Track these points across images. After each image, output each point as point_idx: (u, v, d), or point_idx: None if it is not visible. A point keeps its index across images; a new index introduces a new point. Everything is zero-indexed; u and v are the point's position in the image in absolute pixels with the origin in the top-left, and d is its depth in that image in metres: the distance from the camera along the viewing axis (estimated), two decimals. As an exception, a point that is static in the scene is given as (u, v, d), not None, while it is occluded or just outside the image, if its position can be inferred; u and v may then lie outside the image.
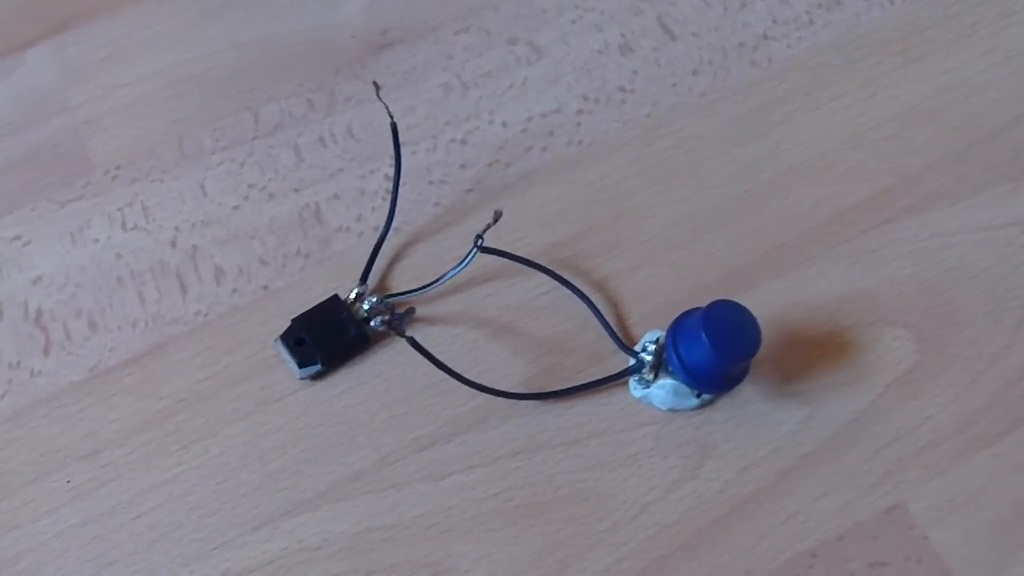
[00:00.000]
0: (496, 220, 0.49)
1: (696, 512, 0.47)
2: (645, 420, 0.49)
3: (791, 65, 0.58)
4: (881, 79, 0.57)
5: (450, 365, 0.47)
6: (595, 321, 0.51)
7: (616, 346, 0.50)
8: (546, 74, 0.59)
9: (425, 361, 0.47)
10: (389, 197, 0.53)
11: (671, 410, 0.49)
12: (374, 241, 0.53)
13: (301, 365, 0.50)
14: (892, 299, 0.51)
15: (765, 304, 0.50)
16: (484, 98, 0.58)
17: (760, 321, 0.46)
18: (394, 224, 0.53)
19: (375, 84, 0.52)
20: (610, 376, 0.49)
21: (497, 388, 0.49)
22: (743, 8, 0.60)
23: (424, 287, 0.51)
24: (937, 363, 0.50)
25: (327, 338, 0.50)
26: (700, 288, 0.52)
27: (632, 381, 0.49)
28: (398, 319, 0.50)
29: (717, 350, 0.45)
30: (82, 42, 0.61)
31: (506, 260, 0.51)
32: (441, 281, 0.51)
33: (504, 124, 0.57)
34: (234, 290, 0.53)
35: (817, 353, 0.50)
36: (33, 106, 0.59)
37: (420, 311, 0.52)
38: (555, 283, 0.51)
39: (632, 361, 0.49)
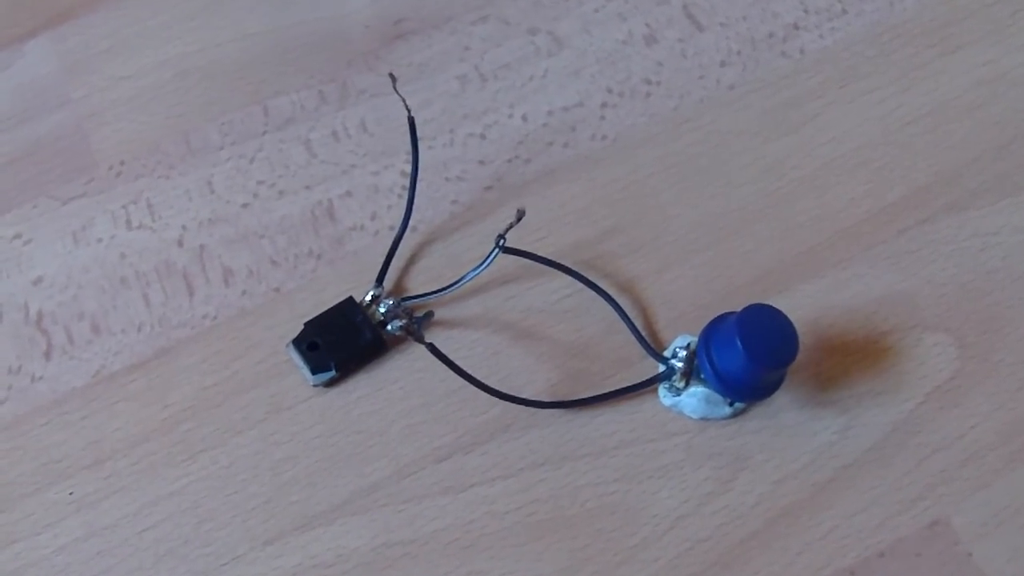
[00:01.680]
0: (519, 219, 0.47)
1: (730, 527, 0.46)
2: (676, 430, 0.47)
3: (823, 56, 0.56)
4: (917, 71, 0.56)
5: (470, 371, 0.46)
6: (622, 325, 0.49)
7: (644, 351, 0.48)
8: (568, 66, 0.57)
9: (444, 367, 0.45)
10: (405, 194, 0.52)
11: (703, 419, 0.47)
12: (390, 241, 0.51)
13: (314, 371, 0.48)
14: (932, 302, 0.50)
15: (798, 308, 0.49)
16: (503, 91, 0.56)
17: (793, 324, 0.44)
18: (411, 223, 0.51)
19: (391, 76, 0.50)
20: (639, 383, 0.48)
21: (520, 396, 0.47)
22: (772, -3, 0.58)
23: (443, 289, 0.49)
24: (980, 370, 0.48)
25: (341, 343, 0.49)
26: (730, 291, 0.50)
27: (662, 388, 0.48)
28: (416, 323, 0.48)
29: (753, 357, 0.43)
30: (83, 33, 0.59)
31: (528, 261, 0.49)
32: (461, 283, 0.49)
33: (524, 118, 0.55)
34: (243, 292, 0.51)
35: (854, 359, 0.49)
36: (33, 99, 0.57)
37: (439, 314, 0.50)
38: (580, 285, 0.50)
39: (662, 367, 0.47)
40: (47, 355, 0.50)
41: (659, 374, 0.47)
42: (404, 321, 0.46)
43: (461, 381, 0.46)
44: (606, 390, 0.48)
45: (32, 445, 0.48)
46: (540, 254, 0.49)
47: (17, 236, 0.53)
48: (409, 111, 0.50)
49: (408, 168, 0.51)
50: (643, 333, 0.48)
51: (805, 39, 0.57)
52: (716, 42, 0.57)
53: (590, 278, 0.49)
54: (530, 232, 0.51)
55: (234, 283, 0.51)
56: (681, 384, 0.47)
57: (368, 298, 0.50)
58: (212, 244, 0.52)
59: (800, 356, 0.44)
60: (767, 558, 0.45)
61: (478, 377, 0.46)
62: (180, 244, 0.52)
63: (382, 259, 0.50)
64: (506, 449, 0.47)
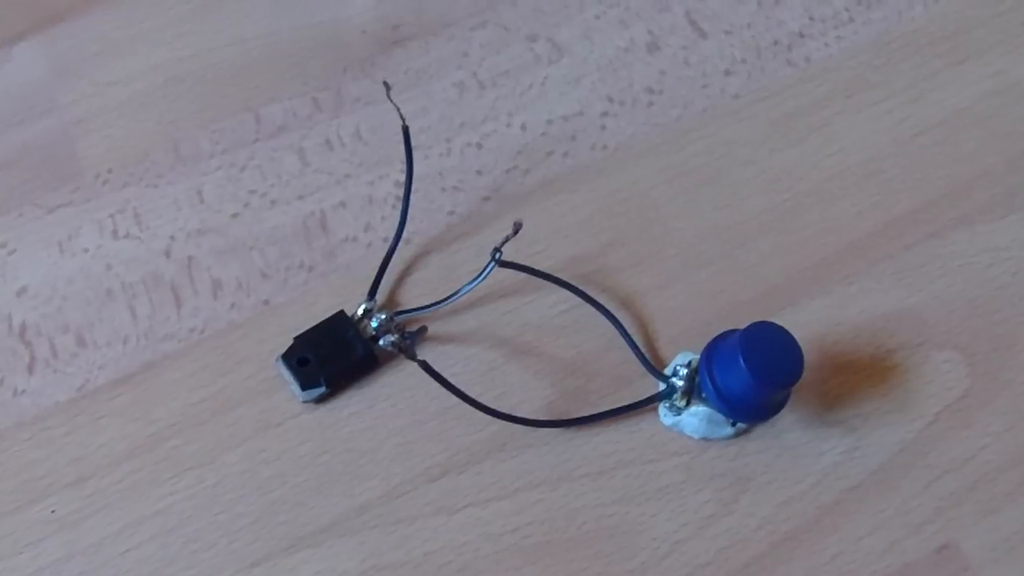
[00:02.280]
0: (516, 232, 0.46)
1: (731, 551, 0.44)
2: (676, 450, 0.46)
3: (830, 65, 0.55)
4: (925, 81, 0.55)
5: (465, 388, 0.44)
6: (621, 341, 0.48)
7: (644, 369, 0.47)
8: (568, 73, 0.56)
9: (438, 383, 0.44)
10: (400, 205, 0.50)
11: (704, 439, 0.46)
12: (383, 253, 0.50)
13: (304, 387, 0.47)
14: (941, 319, 0.49)
15: (804, 324, 0.48)
16: (502, 99, 0.55)
17: (799, 343, 0.43)
18: (405, 234, 0.50)
19: (385, 84, 0.49)
20: (638, 402, 0.46)
21: (515, 414, 0.46)
22: (778, 4, 0.57)
23: (437, 303, 0.48)
24: (991, 389, 0.47)
25: (332, 358, 0.48)
26: (734, 307, 0.49)
27: (662, 407, 0.47)
28: (409, 339, 0.47)
29: (756, 377, 0.42)
30: (73, 36, 0.58)
31: (525, 275, 0.48)
32: (455, 297, 0.48)
33: (523, 127, 0.54)
34: (232, 305, 0.50)
35: (861, 378, 0.47)
36: (20, 104, 0.56)
37: (433, 329, 0.49)
38: (578, 300, 0.48)
39: (662, 386, 0.46)
40: (30, 368, 0.49)
41: (659, 393, 0.46)
42: (396, 337, 0.45)
43: (455, 398, 0.44)
44: (604, 409, 0.46)
45: (13, 461, 0.47)
46: (538, 268, 0.48)
47: (1, 245, 0.52)
48: (404, 120, 0.48)
49: (404, 178, 0.50)
50: (643, 350, 0.47)
51: (811, 47, 0.56)
52: (720, 50, 0.56)
53: (589, 293, 0.48)
54: (528, 245, 0.50)
55: (223, 296, 0.50)
56: (682, 403, 0.46)
57: (360, 312, 0.48)
58: (201, 255, 0.51)
59: (805, 374, 0.43)
60: (770, 584, 0.44)
61: (473, 394, 0.45)
62: (168, 255, 0.51)
63: (375, 272, 0.49)
64: (501, 469, 0.46)
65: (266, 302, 0.50)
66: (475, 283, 0.47)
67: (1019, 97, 0.54)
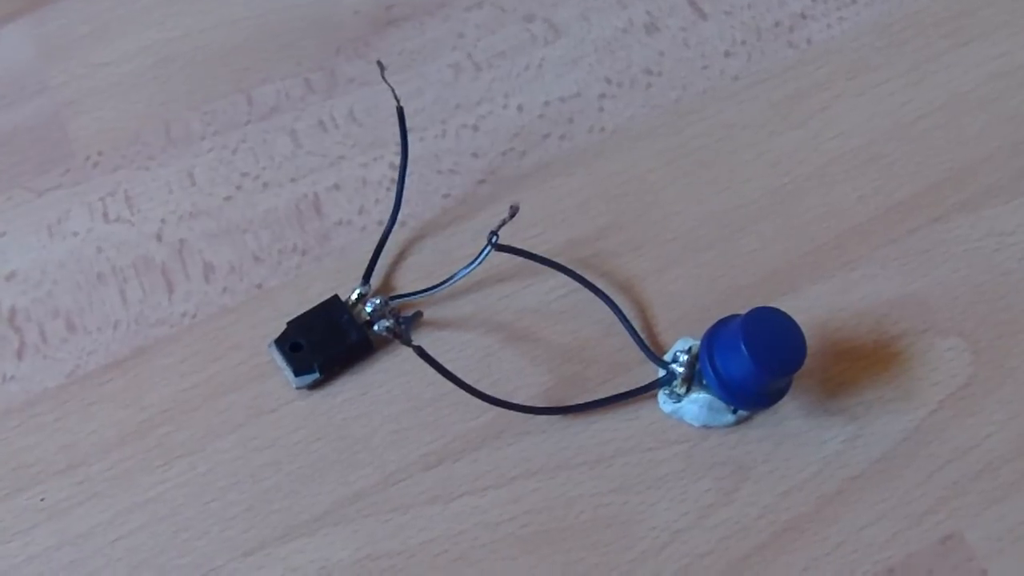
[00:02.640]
0: (512, 215, 0.45)
1: (732, 540, 0.44)
2: (675, 438, 0.46)
3: (832, 47, 0.54)
4: (929, 63, 0.54)
5: (461, 374, 0.44)
6: (620, 327, 0.47)
7: (643, 355, 0.46)
8: (565, 54, 0.55)
9: (433, 369, 0.43)
10: (394, 188, 0.50)
11: (704, 427, 0.46)
12: (378, 236, 0.49)
13: (297, 373, 0.47)
14: (945, 305, 0.48)
15: (805, 310, 0.47)
16: (498, 80, 0.54)
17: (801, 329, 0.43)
18: (400, 217, 0.49)
19: (380, 64, 0.48)
20: (637, 388, 0.46)
21: (512, 401, 0.45)
22: (779, -16, 0.56)
23: (432, 288, 0.48)
24: (995, 376, 0.47)
25: (326, 343, 0.47)
26: (734, 292, 0.49)
27: (661, 394, 0.46)
28: (404, 324, 0.46)
29: (758, 363, 0.41)
30: (63, 17, 0.57)
31: (522, 259, 0.47)
32: (451, 281, 0.47)
33: (520, 109, 0.53)
34: (224, 289, 0.49)
35: (863, 365, 0.47)
36: (9, 86, 0.55)
37: (428, 314, 0.48)
38: (576, 285, 0.48)
39: (661, 372, 0.46)
40: (19, 354, 0.48)
41: (659, 379, 0.46)
42: (391, 322, 0.45)
43: (451, 384, 0.44)
44: (603, 395, 0.46)
45: (2, 449, 0.46)
46: (535, 252, 0.48)
47: (-10, 229, 0.51)
48: (398, 101, 0.48)
49: (399, 160, 0.49)
50: (642, 336, 0.47)
51: (812, 29, 0.55)
52: (720, 31, 0.55)
53: (587, 277, 0.48)
54: (525, 228, 0.49)
55: (215, 279, 0.49)
56: (682, 390, 0.45)
57: (354, 296, 0.48)
58: (192, 238, 0.50)
59: (807, 361, 0.42)
60: (771, 574, 0.43)
61: (469, 381, 0.44)
62: (159, 238, 0.50)
63: (369, 255, 0.49)
64: (498, 457, 0.45)
65: (259, 286, 0.49)
66: (471, 267, 0.46)
67: (1024, 79, 0.53)
